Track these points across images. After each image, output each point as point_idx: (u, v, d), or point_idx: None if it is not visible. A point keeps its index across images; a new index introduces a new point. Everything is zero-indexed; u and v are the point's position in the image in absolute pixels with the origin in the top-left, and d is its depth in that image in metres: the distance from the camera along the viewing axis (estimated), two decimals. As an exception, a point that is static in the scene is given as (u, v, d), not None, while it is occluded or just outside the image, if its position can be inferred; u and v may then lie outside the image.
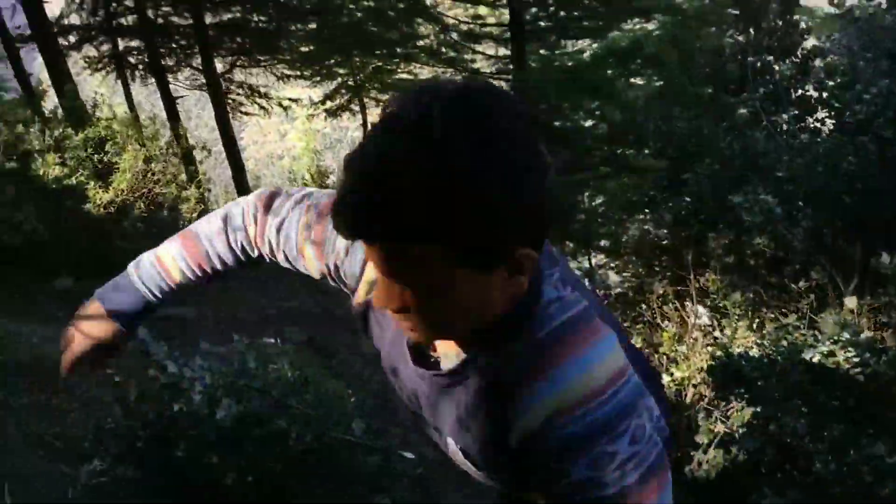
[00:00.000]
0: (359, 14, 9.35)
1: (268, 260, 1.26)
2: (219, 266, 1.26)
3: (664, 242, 7.67)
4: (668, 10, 6.66)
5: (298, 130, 17.57)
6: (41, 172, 5.02)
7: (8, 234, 5.04)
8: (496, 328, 0.93)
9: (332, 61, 11.80)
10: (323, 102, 13.54)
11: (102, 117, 5.77)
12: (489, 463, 1.02)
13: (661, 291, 5.37)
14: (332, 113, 13.54)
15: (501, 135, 0.77)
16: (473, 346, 0.96)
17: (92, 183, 5.18)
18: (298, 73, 12.36)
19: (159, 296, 1.28)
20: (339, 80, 12.86)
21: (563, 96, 5.43)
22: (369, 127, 0.86)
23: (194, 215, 5.86)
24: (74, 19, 12.31)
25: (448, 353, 1.00)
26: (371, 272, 1.07)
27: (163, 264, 1.26)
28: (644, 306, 5.56)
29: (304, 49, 11.90)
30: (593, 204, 10.92)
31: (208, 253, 1.25)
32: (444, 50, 7.31)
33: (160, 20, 12.16)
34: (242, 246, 1.25)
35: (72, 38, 11.97)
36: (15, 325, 4.67)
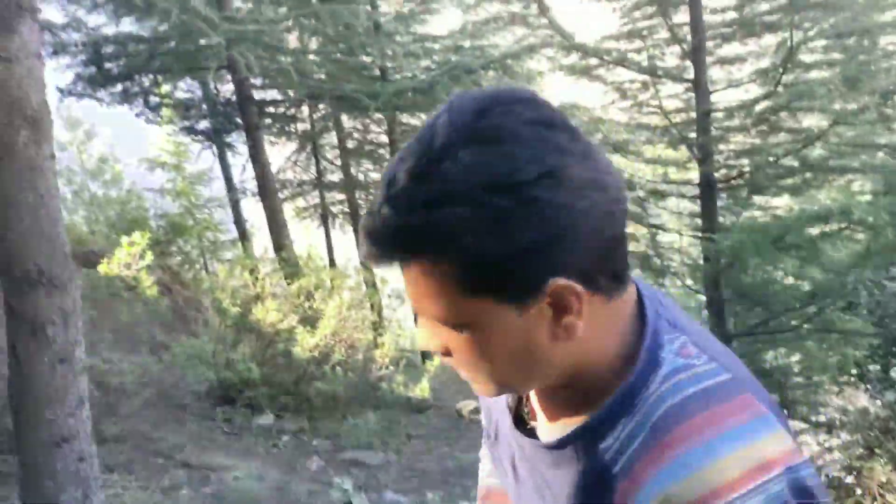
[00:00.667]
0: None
1: None
2: None
3: (886, 420, 6.79)
4: (874, 169, 6.34)
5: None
6: (259, 317, 5.57)
7: (224, 371, 5.59)
8: (602, 404, 0.79)
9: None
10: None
11: (314, 268, 6.36)
12: None
13: (883, 479, 4.70)
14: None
15: (510, 137, 0.69)
16: (577, 416, 0.82)
17: (300, 328, 5.64)
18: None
19: None
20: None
21: (759, 255, 5.24)
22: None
23: (386, 360, 6.17)
24: (289, 174, 14.05)
25: (545, 423, 0.88)
26: None
27: None
28: (860, 491, 4.89)
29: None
30: (785, 362, 10.03)
31: None
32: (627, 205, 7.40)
33: (361, 176, 13.53)
34: None
35: (287, 192, 13.60)
36: (219, 458, 5.05)
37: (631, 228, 7.72)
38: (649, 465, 0.74)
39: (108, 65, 8.82)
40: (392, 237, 0.72)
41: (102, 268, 5.72)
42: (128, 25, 9.43)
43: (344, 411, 5.56)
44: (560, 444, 0.83)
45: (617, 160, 6.71)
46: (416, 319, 0.89)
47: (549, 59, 6.74)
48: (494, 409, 1.01)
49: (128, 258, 5.84)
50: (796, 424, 10.64)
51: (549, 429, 0.87)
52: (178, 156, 15.86)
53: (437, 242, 0.70)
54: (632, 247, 7.74)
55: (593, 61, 6.55)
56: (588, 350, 0.79)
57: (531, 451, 0.89)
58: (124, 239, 5.99)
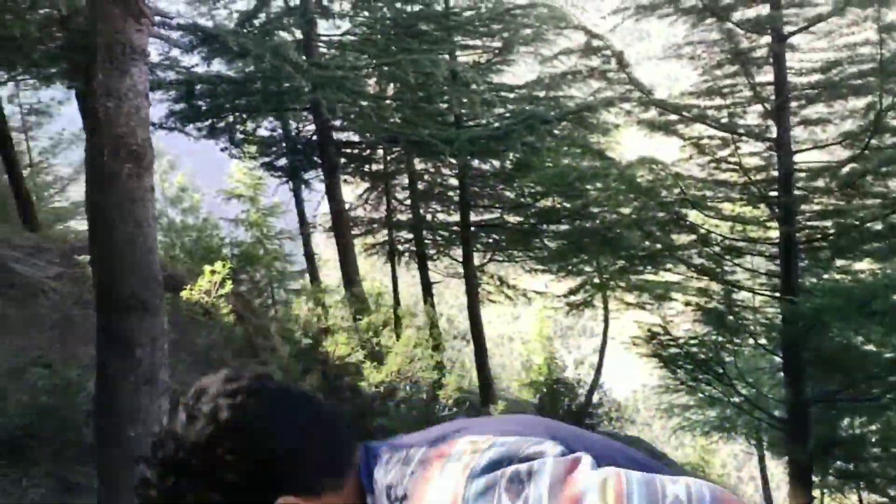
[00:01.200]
0: (613, 219, 9.78)
1: None
2: None
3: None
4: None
5: (532, 316, 17.94)
6: (329, 349, 5.69)
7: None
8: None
9: (578, 259, 12.26)
10: (566, 296, 13.92)
11: (382, 305, 6.48)
12: None
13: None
14: (574, 306, 13.82)
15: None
16: None
17: (367, 363, 5.73)
18: (546, 267, 12.97)
19: None
20: (585, 276, 13.25)
21: (843, 319, 5.05)
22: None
23: (450, 401, 6.18)
24: (360, 212, 14.40)
25: None
26: None
27: None
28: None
29: (553, 246, 12.57)
30: (863, 431, 9.52)
31: None
32: (702, 261, 7.26)
33: (429, 216, 13.74)
34: None
35: (357, 229, 13.91)
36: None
37: (704, 284, 7.56)
38: None
39: (198, 102, 9.31)
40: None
41: (185, 293, 6.00)
42: (217, 65, 10.00)
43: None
44: None
45: (693, 216, 6.64)
46: None
47: (626, 113, 6.78)
48: None
49: (208, 285, 6.11)
50: (872, 498, 10.01)
51: None
52: (254, 188, 16.51)
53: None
54: (704, 302, 7.57)
55: (672, 117, 6.54)
56: None
57: None
58: (206, 267, 6.28)
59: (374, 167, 13.15)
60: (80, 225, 18.32)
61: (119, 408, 3.47)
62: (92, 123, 3.46)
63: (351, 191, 13.48)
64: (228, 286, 6.23)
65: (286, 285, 17.56)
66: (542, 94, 9.43)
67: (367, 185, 13.97)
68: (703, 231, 6.83)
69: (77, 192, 20.48)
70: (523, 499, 0.81)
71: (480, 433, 0.93)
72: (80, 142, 18.40)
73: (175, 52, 9.47)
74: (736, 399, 7.95)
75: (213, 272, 6.12)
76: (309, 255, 15.13)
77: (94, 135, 3.46)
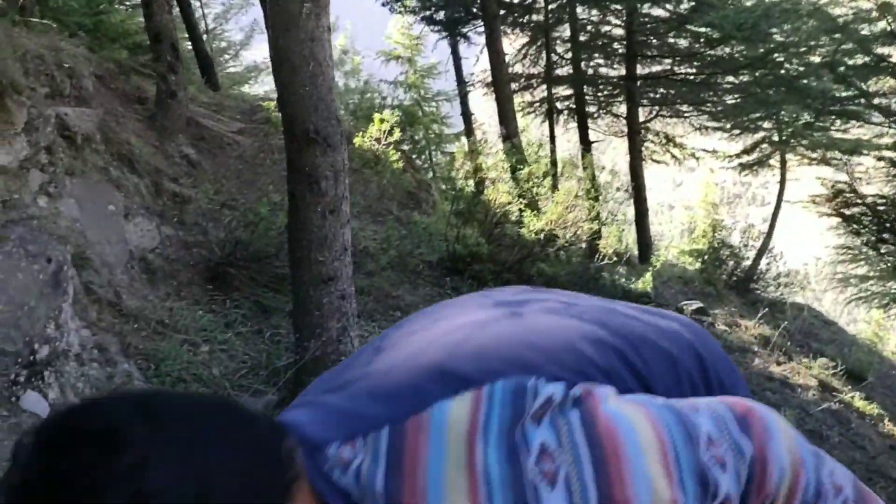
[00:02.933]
0: (800, 68, 8.84)
1: None
2: None
3: None
4: None
5: (697, 182, 17.12)
6: (491, 197, 5.82)
7: (455, 245, 5.98)
8: None
9: (758, 115, 11.32)
10: (738, 156, 13.05)
11: (543, 156, 6.45)
12: None
13: None
14: (748, 167, 12.96)
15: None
16: None
17: (528, 211, 5.81)
18: (719, 124, 12.14)
19: None
20: (762, 133, 12.27)
21: None
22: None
23: (610, 250, 6.19)
24: (518, 68, 14.03)
25: None
26: None
27: None
28: None
29: (729, 101, 11.66)
30: None
31: None
32: (903, 108, 6.45)
33: (590, 71, 13.14)
34: None
35: (514, 86, 13.64)
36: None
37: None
38: None
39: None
40: None
41: (357, 140, 6.29)
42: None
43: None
44: None
45: (899, 54, 5.84)
46: None
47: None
48: None
49: (378, 133, 6.36)
50: None
51: None
52: (412, 49, 16.55)
53: None
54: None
55: None
56: None
57: None
58: (376, 115, 6.51)
59: (535, 17, 12.61)
60: (253, 89, 19.48)
61: (308, 235, 3.82)
62: None
63: (509, 44, 13.10)
64: (398, 133, 6.46)
65: (444, 148, 17.92)
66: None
67: (526, 38, 13.50)
68: (908, 74, 6.02)
69: (249, 56, 21.59)
70: (549, 420, 0.72)
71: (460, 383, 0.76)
72: (249, 5, 19.17)
73: None
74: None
75: (382, 121, 6.34)
76: (466, 115, 15.17)
77: None
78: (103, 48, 11.05)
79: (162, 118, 7.17)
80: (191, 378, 4.01)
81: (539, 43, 13.13)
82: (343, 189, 3.83)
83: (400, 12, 11.80)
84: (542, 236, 5.77)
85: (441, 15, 11.79)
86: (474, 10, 11.22)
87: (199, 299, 5.13)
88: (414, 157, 13.78)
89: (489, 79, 11.71)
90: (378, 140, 6.39)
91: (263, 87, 20.54)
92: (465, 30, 12.24)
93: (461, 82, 14.91)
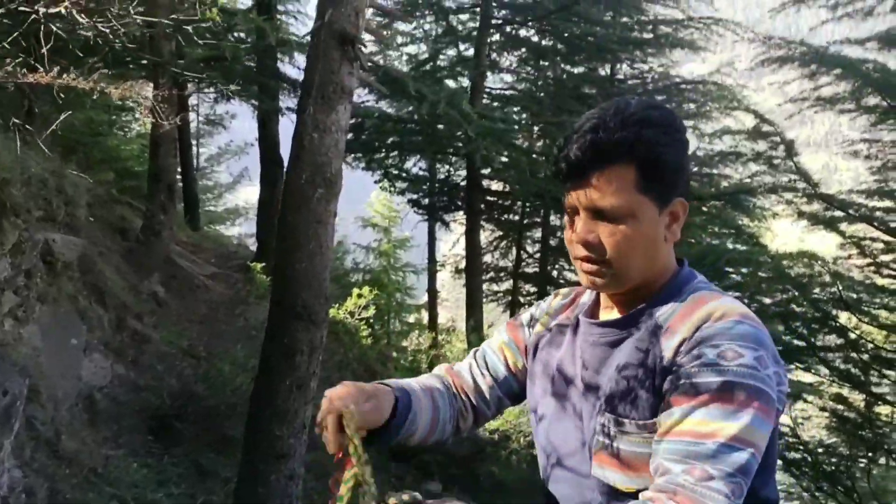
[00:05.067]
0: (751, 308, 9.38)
1: (462, 405, 1.46)
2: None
3: None
4: None
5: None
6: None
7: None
8: (661, 291, 1.21)
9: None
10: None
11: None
12: (634, 400, 1.15)
13: None
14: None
15: (668, 112, 1.20)
16: (642, 306, 1.22)
17: (486, 408, 5.81)
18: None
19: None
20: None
21: None
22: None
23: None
24: (488, 258, 14.62)
25: (614, 315, 1.26)
26: (555, 300, 1.42)
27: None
28: None
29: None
30: None
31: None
32: (847, 366, 6.86)
33: (555, 273, 13.75)
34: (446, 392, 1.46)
35: (484, 276, 14.11)
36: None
37: (844, 392, 7.12)
38: (681, 318, 1.15)
39: (363, 136, 9.95)
40: (607, 145, 1.14)
41: (333, 311, 6.40)
42: (383, 103, 10.67)
43: (509, 501, 5.61)
44: (632, 316, 1.22)
45: (844, 318, 6.30)
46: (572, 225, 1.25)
47: (787, 203, 6.59)
48: (565, 350, 1.34)
49: (353, 307, 6.49)
50: None
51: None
52: (390, 220, 17.23)
53: (637, 149, 1.14)
54: (841, 411, 7.10)
55: (837, 213, 6.30)
56: (666, 257, 1.23)
57: (601, 333, 1.26)
58: (355, 290, 6.68)
59: (511, 217, 13.40)
60: (228, 231, 19.79)
61: (272, 406, 3.80)
62: (296, 150, 3.87)
63: (484, 236, 13.77)
64: (371, 310, 6.58)
65: (402, 317, 18.04)
66: (695, 169, 9.32)
67: (499, 233, 14.24)
68: (853, 336, 6.45)
69: (231, 199, 22.15)
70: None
71: None
72: (243, 154, 19.97)
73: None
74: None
75: (359, 296, 6.51)
76: (432, 291, 15.51)
77: (296, 160, 3.87)
78: (93, 167, 11.30)
79: (141, 254, 7.25)
80: (112, 540, 3.76)
81: (510, 239, 13.83)
82: (315, 366, 3.88)
83: (389, 191, 12.46)
84: (496, 436, 5.74)
85: (426, 200, 12.46)
86: (458, 202, 11.91)
87: (136, 450, 4.90)
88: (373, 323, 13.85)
89: (461, 264, 12.16)
90: (352, 314, 6.52)
91: (239, 228, 20.88)
92: (445, 217, 12.89)
93: (432, 261, 15.43)
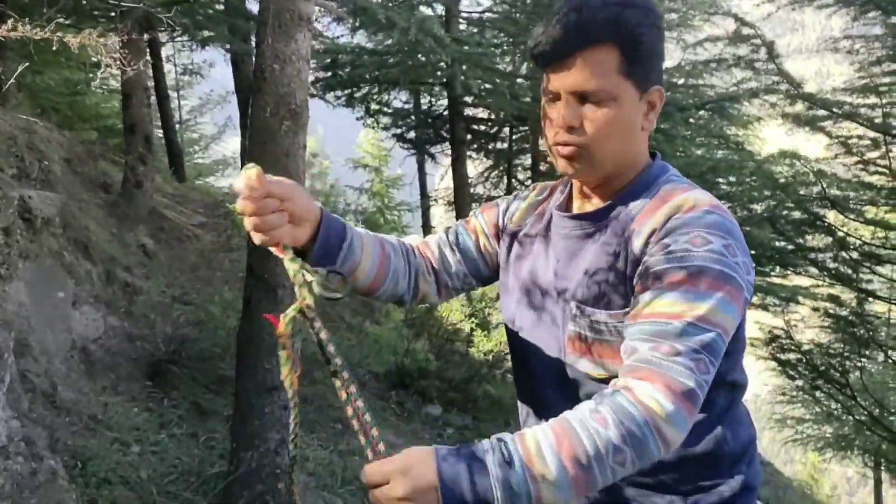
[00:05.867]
0: (743, 216, 9.39)
1: (424, 266, 1.46)
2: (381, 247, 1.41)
3: None
4: None
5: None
6: (444, 314, 5.91)
7: (403, 358, 6.00)
8: (633, 183, 1.23)
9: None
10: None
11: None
12: (608, 304, 1.18)
13: None
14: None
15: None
16: (614, 198, 1.24)
17: (479, 331, 5.91)
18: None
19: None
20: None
21: None
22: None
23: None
24: (480, 189, 14.56)
25: (585, 207, 1.29)
26: (531, 195, 1.43)
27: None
28: None
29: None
30: None
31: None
32: (836, 265, 6.91)
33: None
34: (408, 249, 1.47)
35: (475, 206, 14.08)
36: (390, 436, 5.42)
37: (836, 291, 7.19)
38: (650, 211, 1.18)
39: (340, 71, 9.75)
40: (589, 25, 1.14)
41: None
42: (358, 37, 10.41)
43: (507, 417, 5.75)
44: (606, 209, 1.24)
45: (832, 217, 6.30)
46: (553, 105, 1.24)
47: (771, 106, 6.50)
48: (537, 247, 1.37)
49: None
50: None
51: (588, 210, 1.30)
52: (380, 160, 17.08)
53: (621, 29, 1.15)
54: (834, 310, 7.20)
55: (821, 112, 6.22)
56: (640, 147, 1.25)
57: (573, 225, 1.28)
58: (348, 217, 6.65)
59: (499, 145, 13.26)
60: (219, 182, 19.67)
61: (259, 341, 3.83)
62: (257, 83, 3.79)
63: (473, 167, 13.66)
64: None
65: (402, 256, 18.12)
66: (680, 81, 9.17)
67: (489, 163, 14.12)
68: (840, 234, 6.47)
69: (218, 150, 21.94)
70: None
71: None
72: (225, 103, 19.66)
73: (320, 24, 9.98)
74: (857, 416, 7.54)
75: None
76: (426, 227, 15.52)
77: (258, 93, 3.79)
78: (74, 128, 11.14)
79: (125, 206, 7.20)
80: (118, 480, 3.85)
81: (501, 168, 13.72)
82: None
83: (373, 128, 12.29)
84: (490, 357, 5.84)
85: (411, 134, 12.31)
86: (443, 133, 11.77)
87: (135, 395, 4.98)
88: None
89: (451, 197, 12.11)
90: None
91: (228, 179, 20.76)
92: (432, 150, 12.76)
93: (424, 196, 15.36)
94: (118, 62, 5.12)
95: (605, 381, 1.14)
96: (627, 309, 1.16)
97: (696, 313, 1.05)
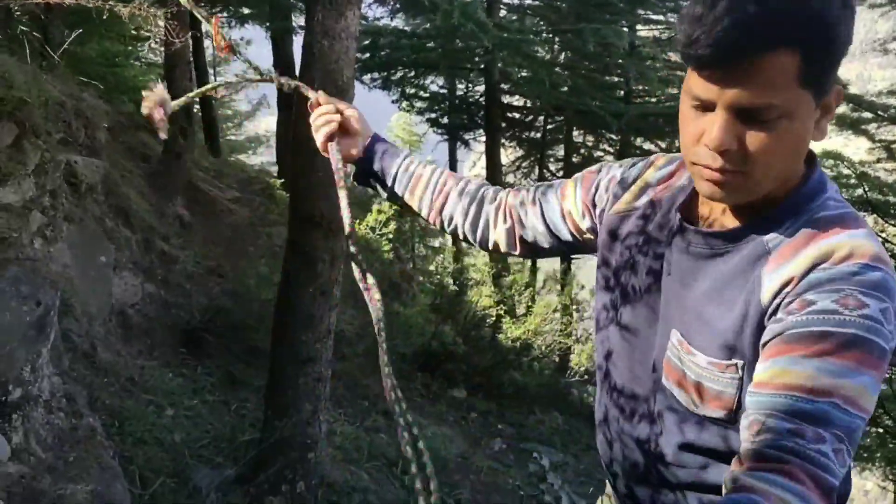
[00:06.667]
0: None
1: (500, 215, 1.39)
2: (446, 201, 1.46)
3: None
4: None
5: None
6: (473, 299, 5.94)
7: (431, 341, 6.05)
8: (783, 203, 0.98)
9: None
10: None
11: (527, 267, 6.63)
12: (716, 333, 0.99)
13: None
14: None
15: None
16: (754, 220, 1.00)
17: (507, 318, 5.94)
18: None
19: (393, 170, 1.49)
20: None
21: None
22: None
23: (582, 368, 6.30)
24: (510, 178, 14.54)
25: (719, 224, 1.05)
26: (650, 172, 1.19)
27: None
28: None
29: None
30: None
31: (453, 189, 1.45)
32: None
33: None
34: (482, 196, 1.42)
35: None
36: (414, 416, 5.49)
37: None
38: (793, 250, 0.94)
39: (379, 54, 9.77)
40: (773, 23, 0.85)
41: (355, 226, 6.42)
42: (397, 20, 10.42)
43: (531, 406, 5.79)
44: (738, 231, 1.01)
45: (871, 222, 6.21)
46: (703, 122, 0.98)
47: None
48: (648, 236, 1.15)
49: (374, 222, 6.56)
50: None
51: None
52: (411, 144, 17.12)
53: (811, 27, 0.86)
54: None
55: (865, 115, 6.11)
56: (800, 162, 0.99)
57: (697, 242, 1.05)
58: (375, 207, 6.75)
59: (533, 134, 13.22)
60: (250, 160, 19.85)
61: (296, 313, 3.90)
62: (306, 59, 3.83)
63: (506, 156, 13.64)
64: (392, 227, 6.67)
65: (427, 241, 18.23)
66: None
67: (521, 152, 14.08)
68: (880, 239, 6.38)
69: (252, 128, 22.12)
70: None
71: None
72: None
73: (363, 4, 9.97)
74: (880, 426, 7.44)
75: (379, 211, 6.57)
76: (455, 214, 15.55)
77: (306, 68, 3.84)
78: (113, 100, 11.31)
79: (163, 177, 7.32)
80: (152, 441, 3.96)
81: (533, 158, 13.69)
82: (337, 273, 3.94)
83: (407, 111, 12.32)
84: (517, 344, 5.87)
85: (445, 119, 12.32)
86: (477, 119, 11.75)
87: (170, 361, 5.10)
88: (400, 244, 14.00)
89: (482, 184, 12.08)
90: (373, 229, 6.60)
91: (260, 157, 20.93)
92: (466, 136, 12.76)
93: (454, 183, 15.38)
94: (167, 33, 5.20)
95: (695, 415, 1.04)
96: (733, 362, 0.98)
97: (847, 393, 0.84)
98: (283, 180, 7.79)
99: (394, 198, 1.49)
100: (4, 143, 4.12)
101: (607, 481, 1.36)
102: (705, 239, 1.05)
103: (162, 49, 9.91)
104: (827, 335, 0.86)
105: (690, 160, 0.99)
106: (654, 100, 9.41)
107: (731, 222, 1.04)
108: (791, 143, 0.93)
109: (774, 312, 0.92)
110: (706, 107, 0.94)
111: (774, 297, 0.93)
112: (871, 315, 0.87)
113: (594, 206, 1.26)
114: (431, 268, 12.86)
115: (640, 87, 9.44)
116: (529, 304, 6.34)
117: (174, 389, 4.56)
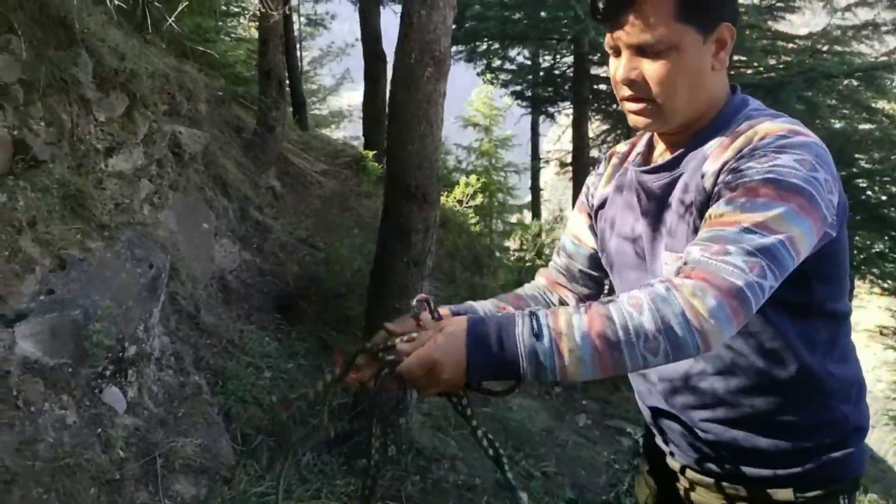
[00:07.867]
0: (882, 197, 8.74)
1: (560, 298, 1.56)
2: None
3: None
4: None
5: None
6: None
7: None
8: (710, 125, 1.21)
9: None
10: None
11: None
12: (691, 235, 1.15)
13: None
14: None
15: None
16: (689, 145, 1.22)
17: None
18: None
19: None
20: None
21: None
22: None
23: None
24: (594, 152, 14.24)
25: (664, 155, 1.29)
26: (609, 166, 1.44)
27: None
28: None
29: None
30: None
31: None
32: None
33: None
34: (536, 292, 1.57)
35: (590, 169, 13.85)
36: (498, 388, 5.51)
37: None
38: (722, 148, 1.14)
39: (466, 24, 9.70)
40: None
41: (443, 199, 6.51)
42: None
43: (616, 383, 5.71)
44: (679, 156, 1.22)
45: None
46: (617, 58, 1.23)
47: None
48: (625, 204, 1.37)
49: (462, 195, 6.59)
50: None
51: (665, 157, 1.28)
52: (490, 119, 17.00)
53: None
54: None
55: None
56: (714, 88, 1.20)
57: (651, 179, 1.27)
58: (463, 179, 6.77)
59: (619, 107, 12.88)
60: (335, 133, 20.18)
61: (390, 283, 3.97)
62: (404, 28, 3.84)
63: (591, 129, 13.36)
64: (479, 199, 6.67)
65: (504, 217, 18.18)
66: (825, 48, 8.55)
67: (606, 126, 13.75)
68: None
69: (335, 102, 22.45)
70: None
71: None
72: (344, 55, 20.02)
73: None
74: None
75: (467, 184, 6.58)
76: (535, 188, 15.39)
77: (404, 38, 3.85)
78: (204, 73, 11.69)
79: (257, 149, 7.55)
80: (252, 400, 4.14)
81: (619, 131, 13.35)
82: (430, 244, 3.98)
83: (491, 83, 12.22)
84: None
85: (530, 92, 12.16)
86: (563, 91, 11.54)
87: (266, 326, 5.30)
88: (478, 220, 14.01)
89: (567, 158, 11.92)
90: (460, 202, 6.62)
91: (344, 132, 21.27)
92: (550, 109, 12.57)
93: (536, 157, 15.20)
94: (264, 5, 5.32)
95: None
96: None
97: (754, 219, 1.00)
98: (374, 152, 7.87)
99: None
100: (117, 114, 4.33)
101: (641, 450, 1.59)
102: (657, 174, 1.26)
103: (251, 24, 10.16)
104: (744, 184, 1.04)
105: (619, 98, 1.23)
106: (750, 71, 8.98)
107: (671, 153, 1.25)
108: (684, 71, 1.14)
109: (714, 191, 1.11)
110: (616, 51, 1.19)
111: (714, 182, 1.11)
112: (784, 163, 1.04)
113: (591, 216, 1.49)
114: (508, 244, 12.83)
115: (737, 59, 9.01)
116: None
117: (271, 352, 4.74)
